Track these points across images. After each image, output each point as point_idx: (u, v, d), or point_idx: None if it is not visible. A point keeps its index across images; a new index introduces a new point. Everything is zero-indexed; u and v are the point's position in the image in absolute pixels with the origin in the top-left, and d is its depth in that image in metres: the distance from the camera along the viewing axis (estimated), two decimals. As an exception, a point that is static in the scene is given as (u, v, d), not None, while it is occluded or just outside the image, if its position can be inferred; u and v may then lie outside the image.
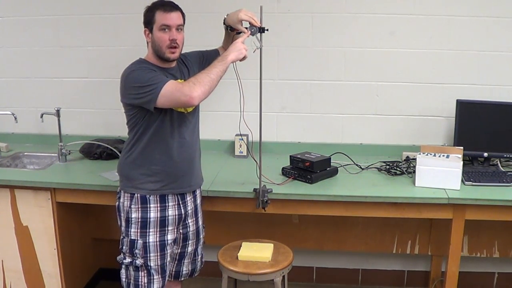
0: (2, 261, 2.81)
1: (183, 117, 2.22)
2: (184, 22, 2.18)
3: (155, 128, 2.16)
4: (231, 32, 2.32)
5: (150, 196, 2.21)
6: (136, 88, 2.07)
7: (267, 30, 2.24)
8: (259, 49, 2.25)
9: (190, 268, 2.45)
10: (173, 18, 2.12)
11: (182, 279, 2.46)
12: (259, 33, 2.23)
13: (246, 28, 2.24)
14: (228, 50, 2.16)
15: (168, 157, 2.19)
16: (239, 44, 2.16)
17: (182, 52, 2.25)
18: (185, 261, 2.42)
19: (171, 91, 2.03)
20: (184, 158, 2.23)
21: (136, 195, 2.22)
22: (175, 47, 2.14)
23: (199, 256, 2.47)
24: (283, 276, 2.37)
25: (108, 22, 3.11)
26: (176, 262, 2.40)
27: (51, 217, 2.68)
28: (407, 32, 2.92)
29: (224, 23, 2.32)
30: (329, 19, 2.96)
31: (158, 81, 2.04)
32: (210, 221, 2.72)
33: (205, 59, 2.39)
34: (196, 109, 2.30)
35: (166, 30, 2.12)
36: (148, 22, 2.15)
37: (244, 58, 2.17)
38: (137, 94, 2.07)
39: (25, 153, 3.18)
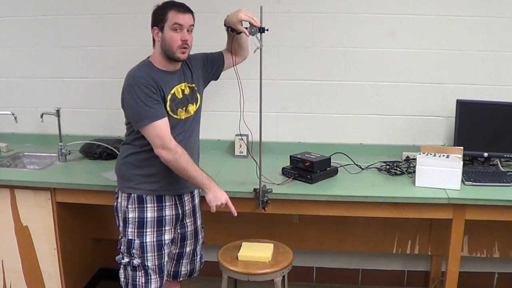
0: (2, 261, 2.81)
1: (179, 121, 2.21)
2: (194, 24, 2.18)
3: None
4: (232, 32, 2.32)
5: (147, 196, 2.22)
6: (128, 107, 2.12)
7: (267, 30, 2.23)
8: (259, 49, 2.24)
9: (189, 268, 2.45)
10: (186, 18, 2.12)
11: (181, 279, 2.46)
12: (259, 33, 2.23)
13: (246, 28, 2.24)
14: (217, 187, 2.18)
15: None
16: (223, 196, 2.18)
17: None
18: (184, 261, 2.42)
19: (156, 133, 2.09)
20: None
21: (133, 195, 2.22)
22: (185, 48, 2.14)
23: (198, 257, 2.47)
24: (283, 276, 2.37)
25: (108, 22, 3.11)
26: (174, 262, 2.40)
27: (51, 217, 2.68)
28: (407, 32, 2.92)
29: (224, 24, 2.32)
30: (329, 19, 2.95)
31: (150, 115, 2.07)
32: (210, 221, 2.71)
33: (209, 61, 2.39)
34: (197, 112, 2.29)
35: (178, 30, 2.11)
36: (159, 20, 2.13)
37: (210, 206, 2.18)
38: (128, 112, 2.14)
39: (25, 153, 3.18)
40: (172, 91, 2.18)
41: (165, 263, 2.28)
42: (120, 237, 2.28)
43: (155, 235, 2.23)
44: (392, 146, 3.05)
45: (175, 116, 2.18)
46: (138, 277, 2.24)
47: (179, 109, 2.20)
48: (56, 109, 3.00)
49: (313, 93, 3.06)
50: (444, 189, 2.47)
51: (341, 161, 2.86)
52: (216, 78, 2.45)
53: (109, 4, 3.08)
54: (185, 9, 2.13)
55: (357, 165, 2.83)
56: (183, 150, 2.13)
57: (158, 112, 2.09)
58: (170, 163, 2.11)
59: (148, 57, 2.22)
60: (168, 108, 2.16)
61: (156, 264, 2.25)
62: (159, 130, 2.09)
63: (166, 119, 2.12)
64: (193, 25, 2.16)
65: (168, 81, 2.17)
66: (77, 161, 3.00)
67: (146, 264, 2.23)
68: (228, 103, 3.03)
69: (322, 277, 3.31)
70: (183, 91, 2.22)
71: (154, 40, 2.18)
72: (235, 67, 2.39)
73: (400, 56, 2.95)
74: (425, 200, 2.41)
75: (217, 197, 2.16)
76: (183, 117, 2.22)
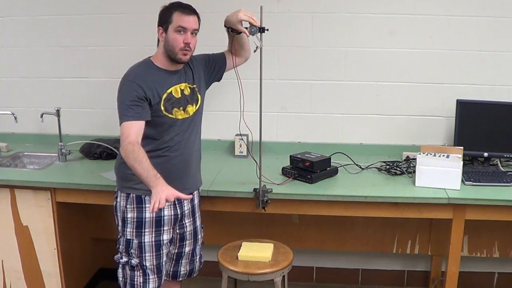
0: (2, 261, 2.81)
1: (176, 122, 2.21)
2: (199, 28, 2.17)
3: (148, 131, 2.14)
4: (232, 33, 2.31)
5: (145, 196, 2.21)
6: (117, 104, 2.14)
7: (267, 30, 2.23)
8: (259, 49, 2.24)
9: (188, 269, 2.45)
10: (191, 21, 2.12)
11: (181, 279, 2.46)
12: (259, 33, 2.23)
13: (246, 28, 2.24)
14: (163, 184, 1.96)
15: (162, 159, 2.17)
16: (163, 193, 1.92)
17: None
18: (183, 261, 2.42)
19: (122, 131, 2.08)
20: (179, 161, 2.22)
21: (131, 195, 2.22)
22: (187, 50, 2.14)
23: (198, 257, 2.47)
24: (283, 276, 2.37)
25: (108, 22, 3.11)
26: (173, 262, 2.40)
27: (51, 217, 2.68)
28: (407, 32, 2.92)
29: (225, 25, 2.31)
30: (329, 19, 2.95)
31: (126, 114, 2.08)
32: (210, 221, 2.72)
33: (211, 62, 2.38)
34: (196, 113, 2.29)
35: (182, 32, 2.11)
36: (164, 21, 2.13)
37: (152, 206, 1.91)
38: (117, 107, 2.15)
39: (25, 153, 3.18)
40: (169, 90, 2.17)
41: (163, 263, 2.28)
42: (119, 236, 2.28)
43: (153, 235, 2.23)
44: (392, 146, 3.05)
45: (169, 115, 2.18)
46: (136, 277, 2.24)
47: (175, 109, 2.19)
48: (56, 109, 3.00)
49: (313, 93, 3.06)
50: (444, 189, 2.47)
51: (341, 161, 2.86)
52: (218, 80, 2.45)
53: (109, 4, 3.08)
54: (190, 10, 2.13)
55: (357, 165, 2.83)
56: (139, 148, 2.02)
57: (135, 114, 2.08)
58: (125, 159, 2.05)
59: (150, 56, 2.23)
60: (162, 107, 2.15)
61: (154, 264, 2.25)
62: (126, 129, 2.06)
63: (141, 123, 2.09)
64: (197, 29, 2.16)
65: (166, 80, 2.17)
66: (77, 161, 3.00)
67: (144, 264, 2.23)
68: (228, 103, 3.03)
69: (322, 277, 3.31)
70: (182, 91, 2.22)
71: (158, 39, 2.18)
72: (235, 67, 2.39)
73: (400, 56, 2.95)
74: (425, 200, 2.41)
75: (160, 199, 1.91)
76: (179, 117, 2.21)
